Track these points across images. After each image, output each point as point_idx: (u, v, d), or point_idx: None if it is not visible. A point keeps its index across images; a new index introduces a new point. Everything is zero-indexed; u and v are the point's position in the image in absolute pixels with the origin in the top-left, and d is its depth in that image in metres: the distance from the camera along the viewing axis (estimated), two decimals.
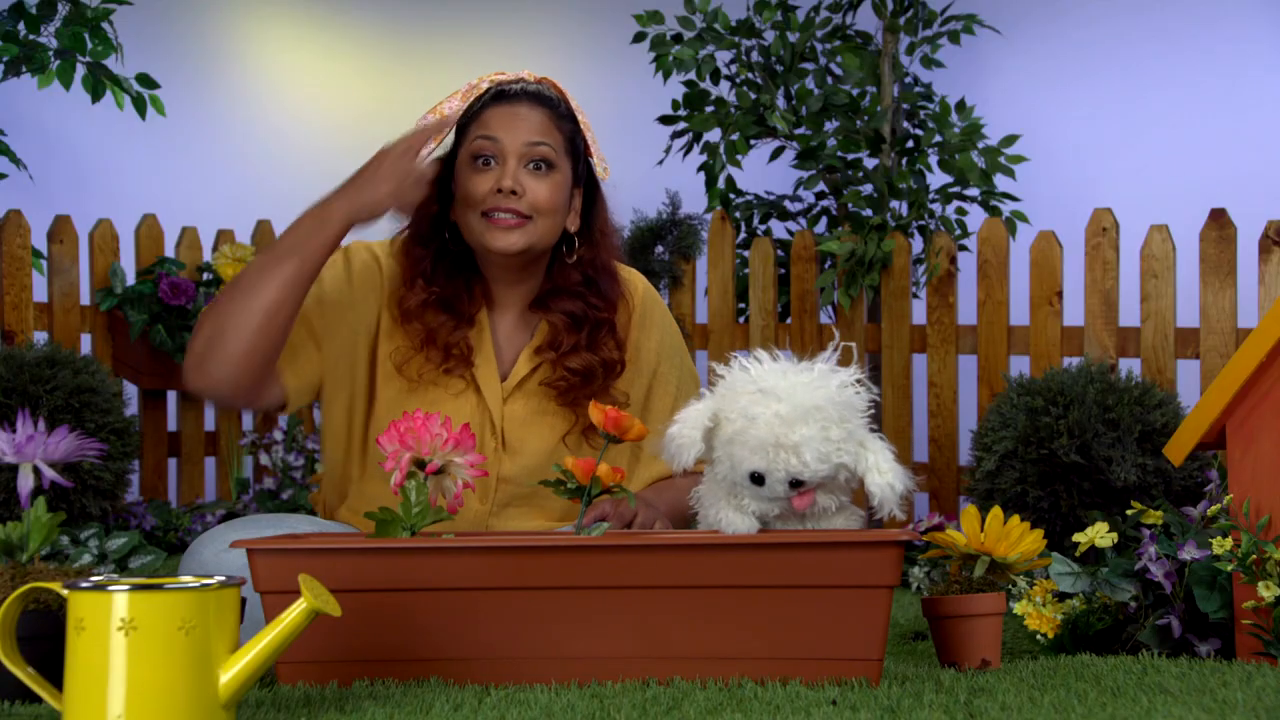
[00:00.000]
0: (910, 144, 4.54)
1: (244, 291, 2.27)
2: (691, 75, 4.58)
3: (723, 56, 4.63)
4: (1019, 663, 2.12)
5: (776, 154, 4.65)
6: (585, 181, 2.49)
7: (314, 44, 5.42)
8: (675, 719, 1.69)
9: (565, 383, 2.43)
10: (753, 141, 4.52)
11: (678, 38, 4.55)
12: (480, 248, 2.41)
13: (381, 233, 2.49)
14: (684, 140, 4.65)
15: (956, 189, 4.43)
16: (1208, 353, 3.88)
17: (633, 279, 2.55)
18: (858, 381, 1.96)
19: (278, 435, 4.33)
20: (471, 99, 2.41)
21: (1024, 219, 4.35)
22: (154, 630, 1.56)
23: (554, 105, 2.44)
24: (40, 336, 4.15)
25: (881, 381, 4.33)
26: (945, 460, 4.22)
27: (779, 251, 4.50)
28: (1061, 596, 2.41)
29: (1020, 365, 4.17)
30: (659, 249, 4.57)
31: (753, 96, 4.48)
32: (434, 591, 1.87)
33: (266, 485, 4.29)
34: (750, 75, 4.54)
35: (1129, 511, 2.49)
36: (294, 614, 1.63)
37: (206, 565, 2.30)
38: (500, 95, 2.43)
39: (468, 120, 2.42)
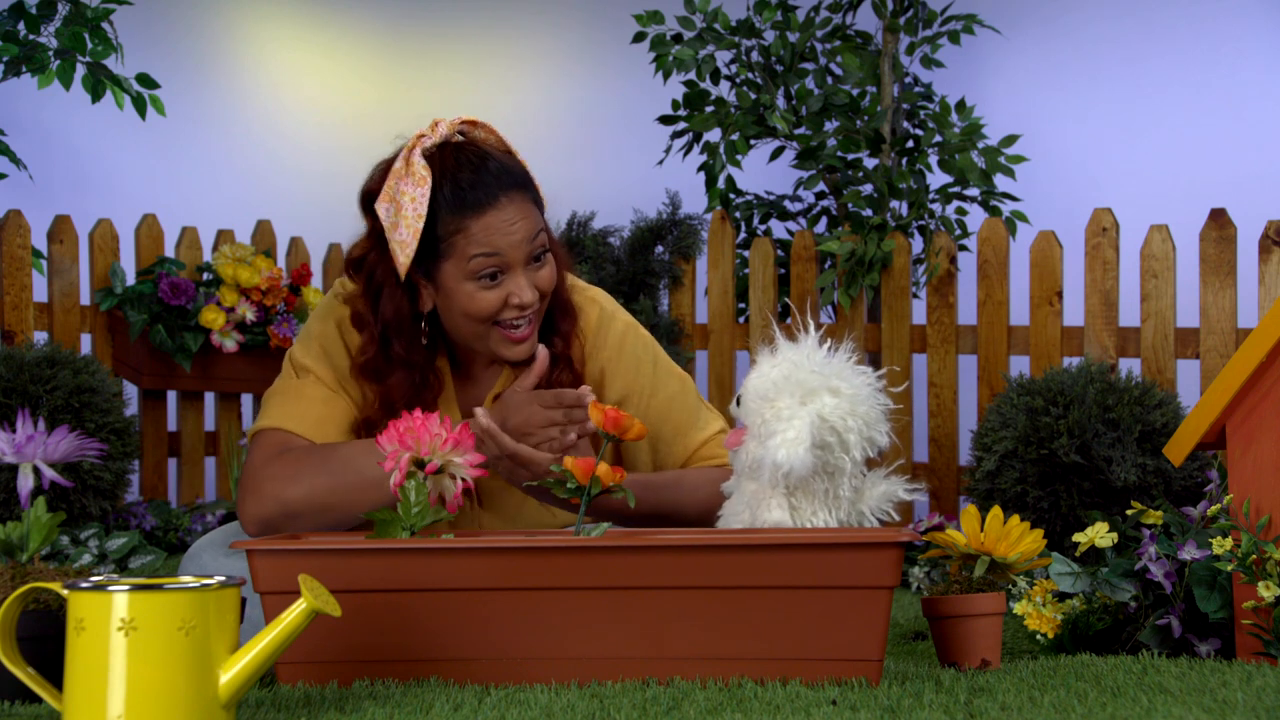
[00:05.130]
0: (910, 144, 4.54)
1: (333, 506, 2.26)
2: (691, 75, 4.58)
3: (723, 56, 4.63)
4: (1019, 663, 2.12)
5: (776, 154, 4.65)
6: None
7: (314, 44, 5.42)
8: (675, 719, 1.69)
9: None
10: (753, 141, 4.52)
11: (678, 38, 4.55)
12: (486, 353, 2.36)
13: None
14: (684, 140, 4.65)
15: (956, 189, 4.43)
16: (1208, 353, 3.88)
17: (586, 305, 2.46)
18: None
19: None
20: (425, 192, 2.24)
21: (1024, 219, 4.36)
22: (154, 630, 1.56)
23: (520, 178, 2.31)
24: (40, 336, 4.15)
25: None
26: (945, 460, 4.22)
27: (779, 251, 4.50)
28: (1061, 596, 2.41)
29: (1020, 365, 4.17)
30: (659, 249, 4.57)
31: (753, 96, 4.48)
32: (434, 592, 1.87)
33: None
34: (750, 75, 4.54)
35: (1129, 511, 2.49)
36: (294, 614, 1.63)
37: (205, 569, 2.30)
38: (475, 196, 2.26)
39: (442, 226, 2.27)
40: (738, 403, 2.20)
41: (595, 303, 2.47)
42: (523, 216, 2.28)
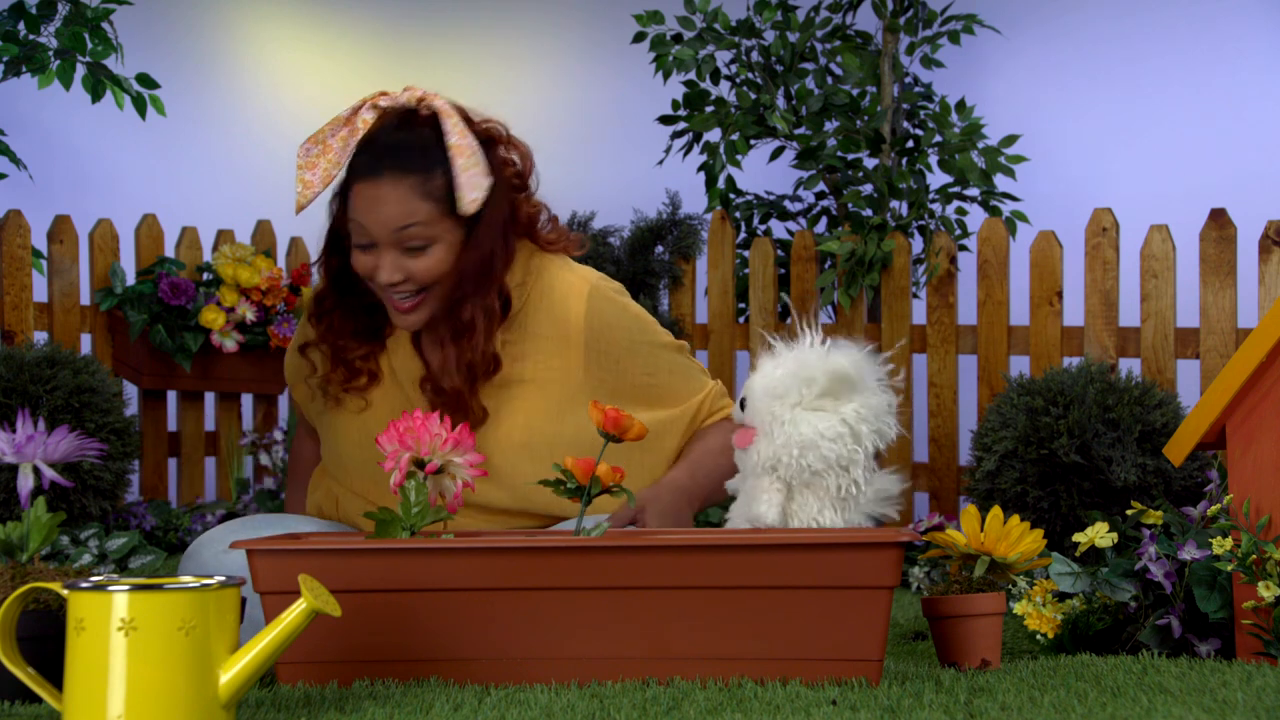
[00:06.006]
0: (910, 144, 4.54)
1: None
2: (691, 75, 4.58)
3: (723, 56, 4.63)
4: (1019, 663, 2.12)
5: (776, 154, 4.65)
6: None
7: (314, 44, 5.42)
8: (675, 719, 1.69)
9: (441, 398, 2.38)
10: (753, 141, 4.52)
11: (678, 38, 4.55)
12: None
13: None
14: (684, 140, 4.65)
15: (956, 189, 4.43)
16: (1208, 353, 3.88)
17: (569, 300, 2.43)
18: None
19: (278, 435, 4.33)
20: (350, 149, 2.31)
21: (1024, 219, 4.35)
22: (154, 630, 1.56)
23: (418, 167, 2.31)
24: (40, 336, 4.14)
25: None
26: (945, 460, 4.22)
27: (779, 251, 4.50)
28: (1061, 596, 2.41)
29: (1020, 365, 4.17)
30: (659, 249, 4.57)
31: (753, 96, 4.48)
32: (434, 592, 1.87)
33: (266, 485, 4.29)
34: (750, 75, 4.54)
35: (1129, 511, 2.49)
36: (294, 614, 1.63)
37: (207, 566, 2.30)
38: (362, 161, 2.31)
39: (345, 180, 2.36)
40: (742, 406, 2.20)
41: (579, 301, 2.44)
42: (396, 201, 2.30)
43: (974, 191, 4.55)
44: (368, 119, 2.32)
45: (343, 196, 2.39)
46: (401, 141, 2.32)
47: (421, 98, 2.35)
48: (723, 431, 2.50)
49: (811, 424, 2.09)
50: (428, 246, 2.32)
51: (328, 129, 2.33)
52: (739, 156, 4.48)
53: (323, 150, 2.32)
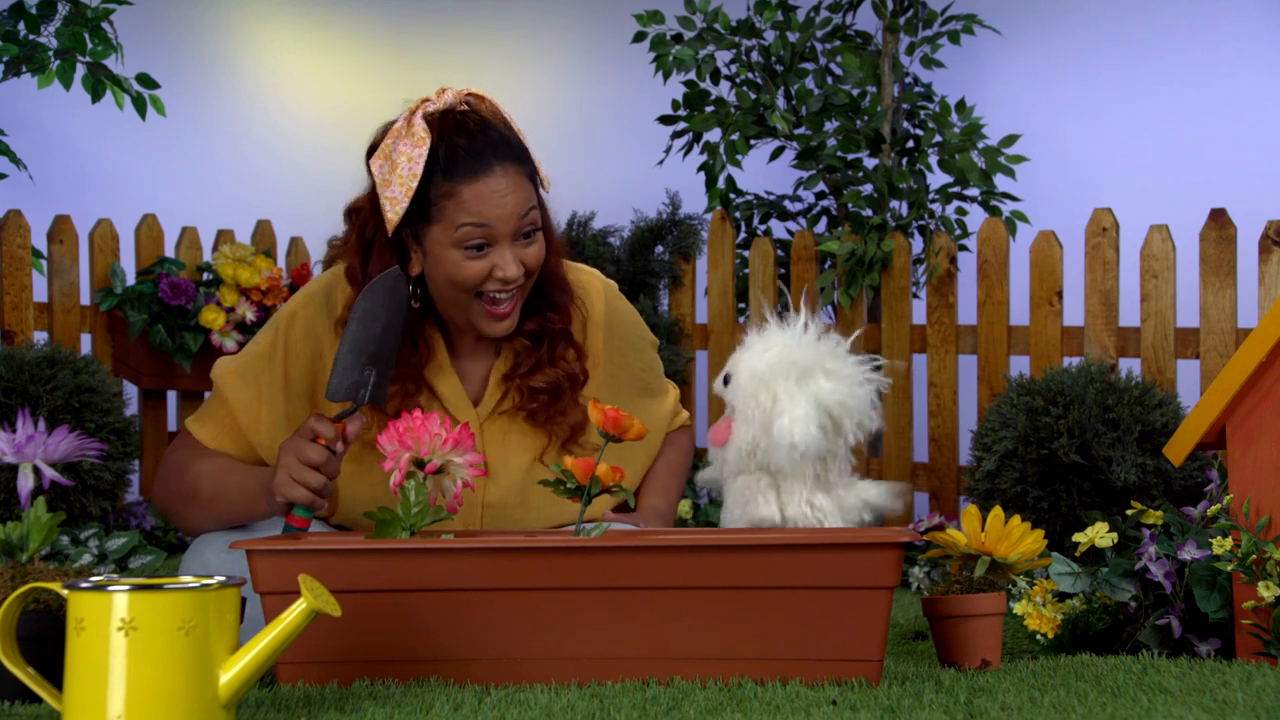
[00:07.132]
0: (910, 144, 4.54)
1: (201, 506, 2.36)
2: (691, 75, 4.58)
3: (723, 56, 4.63)
4: (1019, 663, 2.12)
5: (776, 154, 4.65)
6: None
7: (314, 44, 5.42)
8: (675, 719, 1.69)
9: (536, 403, 2.38)
10: (753, 141, 4.52)
11: (678, 38, 4.55)
12: (465, 324, 2.36)
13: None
14: (684, 140, 4.65)
15: (956, 189, 4.43)
16: (1208, 353, 3.88)
17: (590, 281, 2.49)
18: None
19: None
20: (423, 153, 2.25)
21: (1024, 219, 4.35)
22: (154, 630, 1.56)
23: (518, 152, 2.31)
24: (40, 336, 4.15)
25: None
26: (945, 460, 4.22)
27: (779, 251, 4.50)
28: (1061, 596, 2.41)
29: (1020, 365, 4.17)
30: (659, 249, 4.57)
31: (753, 96, 4.48)
32: (434, 592, 1.87)
33: None
34: (750, 75, 4.54)
35: (1129, 511, 2.49)
36: (294, 614, 1.63)
37: (208, 566, 2.30)
38: (469, 162, 2.27)
39: (434, 189, 2.27)
40: (725, 381, 2.19)
41: (599, 282, 2.51)
42: (514, 189, 2.28)
43: (974, 191, 4.55)
44: (424, 128, 2.26)
45: (432, 208, 2.28)
46: (490, 135, 2.30)
47: (469, 98, 2.34)
48: (682, 449, 2.65)
49: (792, 413, 2.08)
50: (535, 232, 2.32)
51: (390, 142, 2.28)
52: (739, 156, 4.49)
53: (392, 166, 2.27)
